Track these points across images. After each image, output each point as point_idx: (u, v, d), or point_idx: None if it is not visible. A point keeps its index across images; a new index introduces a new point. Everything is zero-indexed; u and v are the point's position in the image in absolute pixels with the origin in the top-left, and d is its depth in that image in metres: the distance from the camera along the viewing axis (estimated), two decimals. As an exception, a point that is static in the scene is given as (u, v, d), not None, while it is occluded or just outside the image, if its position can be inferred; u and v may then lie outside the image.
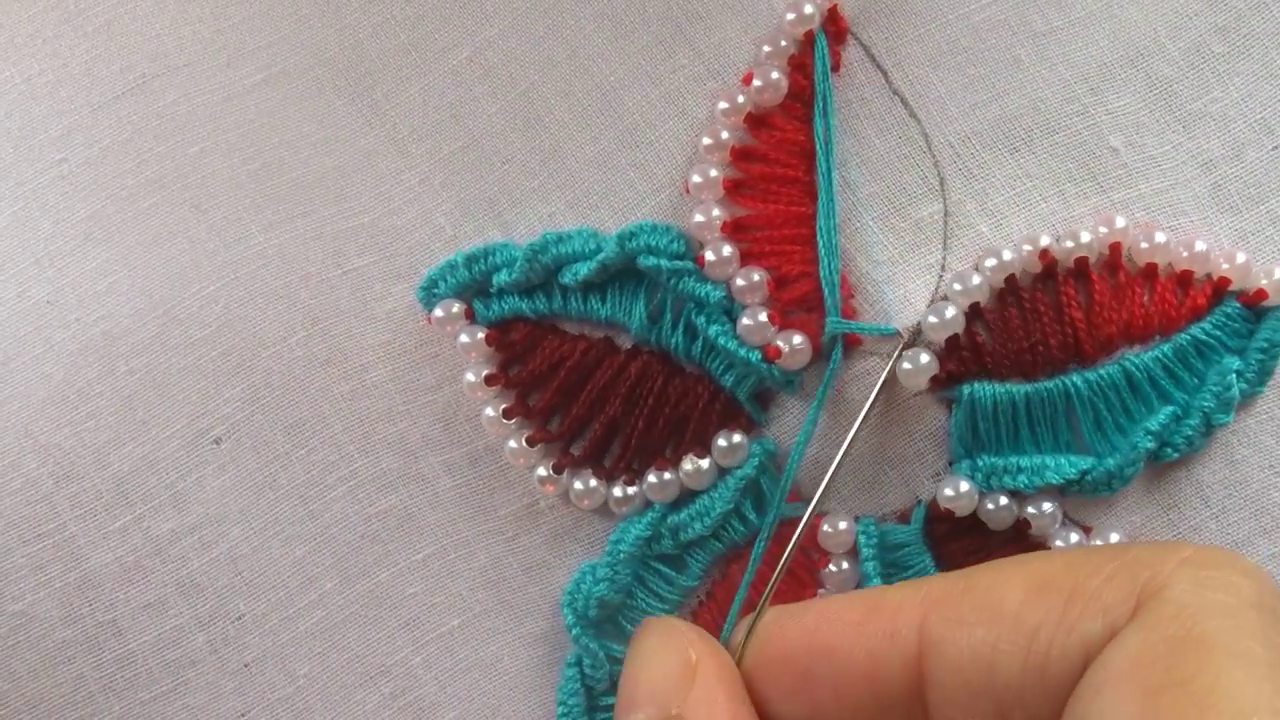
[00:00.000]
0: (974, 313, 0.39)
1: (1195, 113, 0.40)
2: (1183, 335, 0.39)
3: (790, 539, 0.40)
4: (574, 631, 0.40)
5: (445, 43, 0.41)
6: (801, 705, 0.35)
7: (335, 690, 0.41)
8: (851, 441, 0.38)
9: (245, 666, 0.41)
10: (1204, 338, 0.39)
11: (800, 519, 0.39)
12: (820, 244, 0.39)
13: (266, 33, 0.41)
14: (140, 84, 0.42)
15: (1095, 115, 0.40)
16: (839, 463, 0.38)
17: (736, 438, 0.40)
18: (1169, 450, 0.39)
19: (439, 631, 0.41)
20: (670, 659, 0.35)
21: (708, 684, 0.34)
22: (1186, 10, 0.40)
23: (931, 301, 0.40)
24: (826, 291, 0.39)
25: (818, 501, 0.38)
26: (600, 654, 0.40)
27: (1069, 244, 0.39)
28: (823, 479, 0.40)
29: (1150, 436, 0.38)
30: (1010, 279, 0.39)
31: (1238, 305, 0.39)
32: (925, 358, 0.39)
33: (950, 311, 0.39)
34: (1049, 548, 0.39)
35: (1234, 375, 0.38)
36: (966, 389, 0.39)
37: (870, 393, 0.39)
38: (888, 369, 0.39)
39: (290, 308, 0.41)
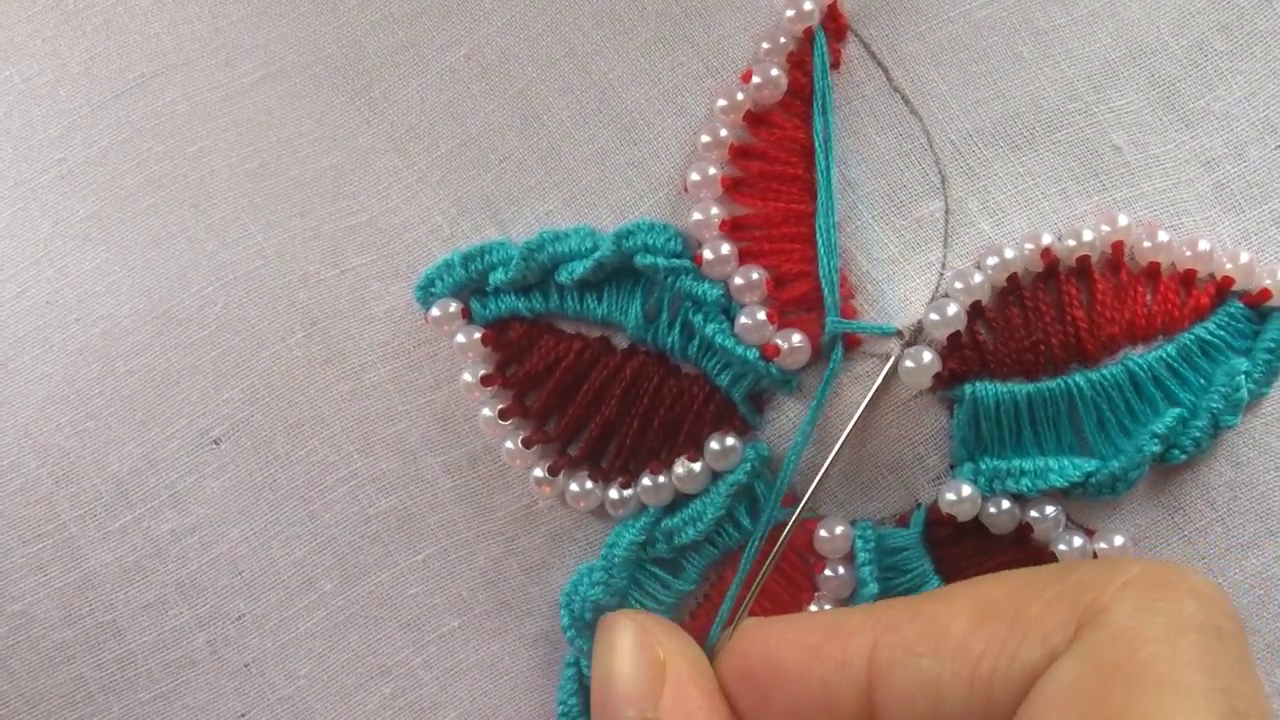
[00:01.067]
0: (975, 311, 0.39)
1: (1198, 111, 0.40)
2: (1186, 335, 0.39)
3: (786, 543, 0.39)
4: (569, 633, 0.40)
5: (443, 40, 0.41)
6: None
7: (335, 691, 0.41)
8: (843, 444, 0.38)
9: (245, 667, 0.41)
10: (1208, 337, 0.39)
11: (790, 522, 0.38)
12: (820, 242, 0.39)
13: (264, 31, 0.41)
14: (139, 83, 0.42)
15: (1098, 113, 0.40)
16: (829, 464, 0.38)
17: (729, 441, 0.40)
18: (1176, 452, 0.38)
19: (439, 632, 0.41)
20: (638, 657, 0.34)
21: (680, 684, 0.33)
22: (1189, 8, 0.40)
23: (932, 300, 0.39)
24: (826, 290, 0.39)
25: (804, 505, 0.38)
26: (597, 655, 0.40)
27: (1071, 242, 0.39)
28: (816, 481, 0.40)
29: (1155, 439, 0.38)
30: (1012, 277, 0.39)
31: (1241, 305, 0.39)
32: (928, 355, 0.38)
33: (952, 309, 0.38)
34: (1053, 552, 0.39)
35: (1242, 376, 0.38)
36: (969, 388, 0.39)
37: (869, 393, 0.39)
38: (886, 368, 0.39)
39: (289, 308, 0.41)
